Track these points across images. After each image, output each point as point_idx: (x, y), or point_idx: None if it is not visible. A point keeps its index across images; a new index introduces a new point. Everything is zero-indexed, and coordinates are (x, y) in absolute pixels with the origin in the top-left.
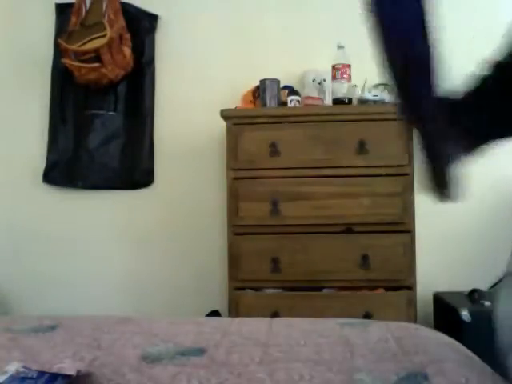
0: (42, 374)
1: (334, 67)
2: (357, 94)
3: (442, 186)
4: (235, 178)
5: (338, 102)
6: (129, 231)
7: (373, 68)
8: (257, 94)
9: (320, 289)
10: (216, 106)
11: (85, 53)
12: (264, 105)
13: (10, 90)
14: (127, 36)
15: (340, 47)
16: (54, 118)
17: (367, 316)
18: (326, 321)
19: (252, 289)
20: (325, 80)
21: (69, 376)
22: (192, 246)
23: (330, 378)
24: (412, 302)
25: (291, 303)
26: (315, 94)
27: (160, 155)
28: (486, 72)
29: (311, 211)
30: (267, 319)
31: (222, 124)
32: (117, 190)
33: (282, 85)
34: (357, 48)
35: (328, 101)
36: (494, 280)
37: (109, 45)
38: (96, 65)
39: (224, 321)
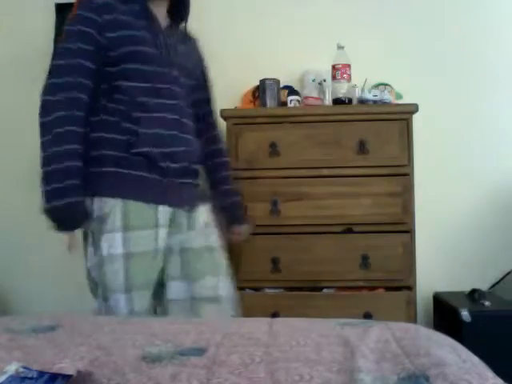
0: (41, 374)
1: (333, 67)
2: (357, 94)
3: None
4: (235, 178)
5: (337, 101)
6: None
7: (373, 68)
8: (257, 94)
9: (320, 289)
10: (216, 106)
11: None
12: (264, 105)
13: (10, 90)
14: None
15: (340, 47)
16: None
17: (367, 316)
18: (325, 321)
19: (252, 289)
20: (325, 80)
21: (69, 376)
22: None
23: (329, 377)
24: (412, 302)
25: (291, 303)
26: (315, 94)
27: None
28: None
29: (311, 211)
30: (267, 319)
31: (222, 124)
32: None
33: (281, 85)
34: (357, 48)
35: (328, 101)
36: (494, 280)
37: None
38: None
39: (224, 321)
